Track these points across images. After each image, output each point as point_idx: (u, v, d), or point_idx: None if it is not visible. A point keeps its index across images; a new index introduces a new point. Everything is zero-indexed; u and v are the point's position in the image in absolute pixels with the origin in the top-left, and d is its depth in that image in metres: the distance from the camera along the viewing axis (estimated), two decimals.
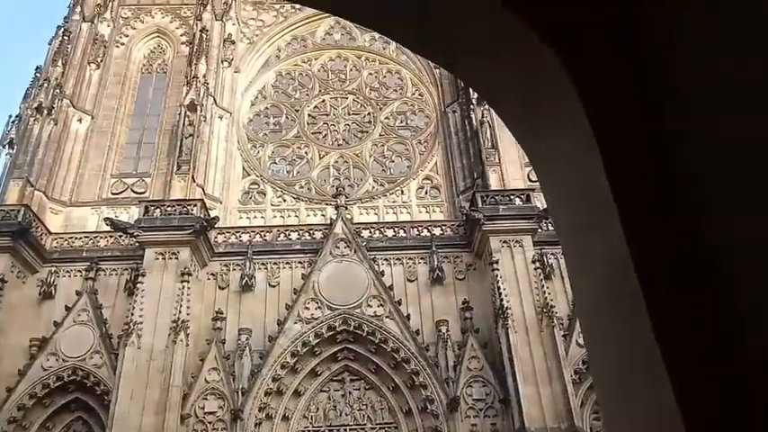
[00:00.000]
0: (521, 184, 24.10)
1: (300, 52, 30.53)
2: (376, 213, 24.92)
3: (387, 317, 20.20)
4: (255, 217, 25.02)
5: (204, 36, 28.10)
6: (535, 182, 24.81)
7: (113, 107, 27.32)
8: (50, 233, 22.28)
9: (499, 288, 19.62)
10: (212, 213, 22.16)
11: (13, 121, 25.47)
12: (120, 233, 21.85)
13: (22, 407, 18.48)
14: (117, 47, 29.41)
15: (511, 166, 25.01)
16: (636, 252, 1.80)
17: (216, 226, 21.98)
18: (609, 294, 1.98)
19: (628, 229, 1.83)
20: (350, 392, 19.98)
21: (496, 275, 19.89)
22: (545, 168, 2.45)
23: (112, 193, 24.96)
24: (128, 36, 29.92)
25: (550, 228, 22.38)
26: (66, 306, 20.25)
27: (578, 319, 20.13)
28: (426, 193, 25.87)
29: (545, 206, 22.35)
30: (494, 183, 23.06)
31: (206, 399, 18.64)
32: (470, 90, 25.69)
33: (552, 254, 21.82)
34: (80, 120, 26.34)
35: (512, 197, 21.77)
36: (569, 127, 2.07)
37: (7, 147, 24.80)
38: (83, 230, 22.99)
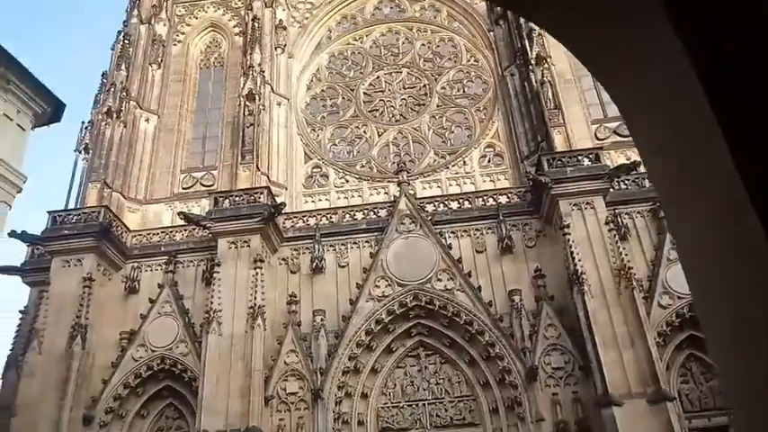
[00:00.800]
0: (588, 144, 23.12)
1: (351, 30, 30.29)
2: (439, 187, 24.59)
3: (457, 290, 19.98)
4: (320, 200, 25.28)
5: (256, 25, 28.36)
6: (603, 139, 23.77)
7: (177, 104, 28.16)
8: (130, 231, 23.38)
9: (572, 253, 18.93)
10: (278, 200, 22.54)
11: (86, 127, 26.76)
12: (194, 226, 22.64)
13: (117, 397, 19.66)
14: (175, 45, 30.20)
15: (576, 125, 24.00)
16: (755, 193, 1.70)
17: (283, 211, 22.36)
18: (722, 241, 1.94)
19: (743, 170, 1.73)
20: (426, 367, 20.00)
21: (568, 240, 19.19)
22: (641, 116, 2.43)
23: (183, 188, 25.85)
24: (184, 33, 30.64)
25: (623, 186, 21.48)
26: (150, 299, 21.26)
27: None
28: (489, 161, 25.26)
29: (615, 164, 21.40)
30: (559, 144, 22.15)
31: (287, 380, 19.18)
32: (528, 50, 24.78)
33: (627, 213, 20.91)
34: (147, 120, 27.33)
35: (579, 158, 20.84)
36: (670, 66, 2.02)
37: (83, 152, 26.12)
38: (159, 226, 23.99)
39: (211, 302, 19.79)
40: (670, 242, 19.80)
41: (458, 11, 29.69)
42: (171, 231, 23.47)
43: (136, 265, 22.50)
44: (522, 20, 25.96)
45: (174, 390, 20.18)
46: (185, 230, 23.20)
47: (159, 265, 22.38)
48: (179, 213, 22.83)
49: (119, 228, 22.83)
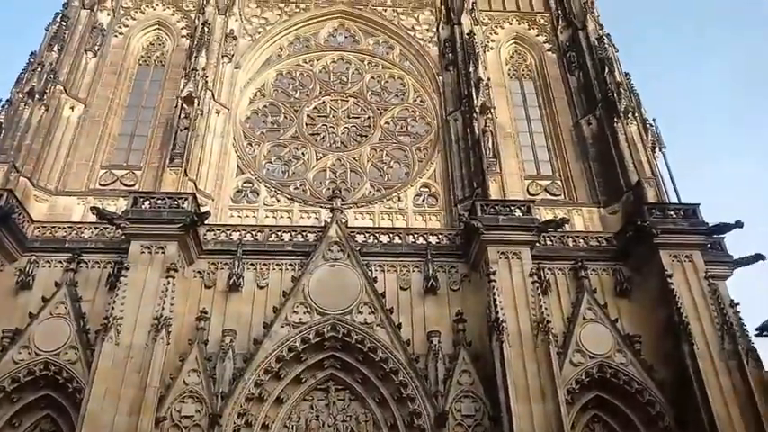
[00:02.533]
0: (520, 197, 23.62)
1: (303, 52, 30.00)
2: (371, 219, 24.25)
3: (377, 325, 19.46)
4: (247, 216, 24.28)
5: (206, 29, 27.59)
6: (535, 195, 24.36)
7: (108, 97, 26.66)
8: (33, 221, 21.50)
9: (495, 300, 18.93)
10: (203, 209, 21.44)
11: (2, 106, 24.67)
12: (106, 224, 21.10)
13: None
14: (115, 36, 28.84)
15: (511, 178, 24.62)
16: None
17: (206, 223, 21.28)
18: None
19: None
20: (334, 402, 19.17)
21: (493, 287, 19.21)
22: None
23: (101, 184, 24.21)
24: (127, 26, 29.35)
25: (548, 242, 21.91)
26: (43, 297, 19.41)
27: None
28: (423, 201, 25.24)
29: (544, 219, 21.87)
30: (494, 193, 22.48)
31: (183, 402, 17.78)
32: (474, 98, 25.30)
33: (549, 269, 21.34)
34: (72, 107, 25.65)
35: (512, 208, 21.18)
36: None
37: None
38: (67, 220, 22.19)
39: (112, 308, 18.28)
40: (587, 302, 20.27)
41: (410, 51, 30.08)
42: (79, 227, 21.75)
43: (34, 258, 20.59)
44: (471, 68, 26.64)
45: (55, 400, 18.24)
46: (96, 228, 21.57)
47: (60, 261, 20.57)
48: (92, 208, 21.24)
49: (21, 216, 20.93)
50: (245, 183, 25.31)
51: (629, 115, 24.93)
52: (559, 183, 25.25)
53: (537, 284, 19.74)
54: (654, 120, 25.83)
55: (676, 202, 22.24)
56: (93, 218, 21.67)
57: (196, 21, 28.47)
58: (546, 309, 19.19)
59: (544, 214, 23.09)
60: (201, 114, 24.94)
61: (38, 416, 18.30)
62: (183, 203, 20.75)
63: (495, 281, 19.45)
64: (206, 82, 25.76)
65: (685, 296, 19.46)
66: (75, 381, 17.80)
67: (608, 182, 24.20)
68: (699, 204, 21.34)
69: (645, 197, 22.16)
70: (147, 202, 20.78)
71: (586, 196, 24.51)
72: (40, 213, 22.33)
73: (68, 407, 17.85)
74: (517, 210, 21.25)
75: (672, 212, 21.19)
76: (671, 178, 23.59)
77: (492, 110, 25.09)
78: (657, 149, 25.04)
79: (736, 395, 17.69)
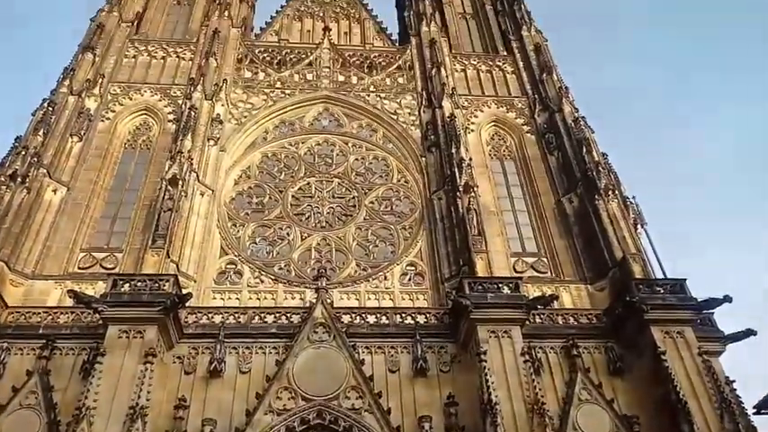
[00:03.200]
0: (507, 274, 23.52)
1: (288, 135, 30.56)
2: (357, 299, 23.84)
3: (366, 410, 18.62)
4: (230, 298, 23.74)
5: (192, 114, 28.07)
6: (521, 272, 24.25)
7: (92, 180, 26.60)
8: (7, 306, 20.73)
9: (487, 381, 18.32)
10: (185, 291, 20.89)
11: None
12: (83, 309, 20.39)
13: None
14: (102, 121, 29.18)
15: (496, 256, 24.58)
16: None
17: (188, 305, 20.70)
18: None
19: None
20: None
21: (484, 367, 18.65)
22: None
23: (80, 267, 23.66)
24: (114, 111, 29.79)
25: (537, 320, 21.58)
26: (13, 387, 18.37)
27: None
28: (410, 279, 24.99)
29: (533, 296, 21.65)
30: (481, 270, 22.36)
31: None
32: (458, 177, 25.67)
33: (541, 347, 20.89)
34: (55, 190, 25.48)
35: (500, 285, 21.00)
36: None
37: None
38: (42, 305, 21.43)
39: (86, 397, 17.30)
40: (581, 382, 19.75)
41: (393, 134, 30.80)
42: (55, 312, 20.98)
43: (6, 345, 19.69)
44: (453, 149, 27.24)
45: None
46: (72, 313, 20.82)
47: (33, 348, 19.67)
48: (68, 291, 20.65)
49: None
50: (228, 264, 24.92)
51: (610, 193, 25.41)
52: (545, 260, 25.28)
53: (529, 364, 19.23)
54: (633, 197, 26.32)
55: (662, 277, 22.26)
56: (70, 302, 21.06)
57: (183, 105, 29.01)
58: (540, 389, 18.60)
59: (532, 291, 22.93)
60: (186, 196, 24.90)
61: None
62: (164, 285, 20.23)
63: (485, 361, 18.92)
64: (191, 164, 25.91)
65: (680, 374, 19.09)
66: None
67: (593, 258, 24.29)
68: (686, 279, 21.41)
69: (631, 273, 22.19)
70: (127, 284, 20.23)
71: (573, 273, 24.49)
72: (15, 298, 21.58)
73: None
74: (505, 287, 21.07)
75: (660, 288, 21.17)
76: (655, 254, 23.78)
77: (475, 188, 25.45)
78: (639, 226, 25.33)
79: None
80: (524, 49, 34.54)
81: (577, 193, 26.58)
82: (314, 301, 21.29)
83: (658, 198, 72.61)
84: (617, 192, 25.69)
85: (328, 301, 21.46)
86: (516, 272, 24.45)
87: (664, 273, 22.93)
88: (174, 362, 19.89)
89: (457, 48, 36.13)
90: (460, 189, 25.21)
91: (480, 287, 20.86)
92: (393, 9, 43.77)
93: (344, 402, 18.73)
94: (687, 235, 72.03)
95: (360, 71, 33.66)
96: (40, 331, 20.15)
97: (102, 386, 17.71)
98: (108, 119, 29.39)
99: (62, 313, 20.94)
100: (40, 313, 20.85)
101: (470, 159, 27.01)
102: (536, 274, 24.75)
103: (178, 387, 19.19)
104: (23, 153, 25.23)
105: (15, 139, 26.63)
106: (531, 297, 21.64)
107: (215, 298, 23.65)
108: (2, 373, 19.05)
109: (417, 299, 24.22)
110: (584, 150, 27.26)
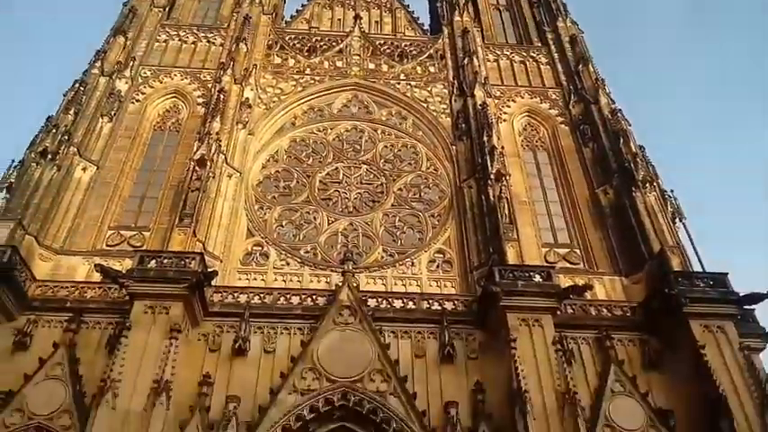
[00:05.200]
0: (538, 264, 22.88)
1: (316, 121, 30.28)
2: (384, 284, 23.40)
3: (391, 394, 18.21)
4: (255, 279, 23.49)
5: (222, 97, 27.95)
6: (553, 263, 23.58)
7: (121, 160, 26.65)
8: (35, 280, 20.78)
9: (517, 369, 17.79)
10: (210, 270, 20.69)
11: (15, 166, 24.53)
12: (110, 284, 20.35)
13: None
14: (132, 103, 29.25)
15: (527, 246, 23.96)
16: None
17: (213, 284, 20.52)
18: None
19: None
20: None
21: (514, 355, 18.12)
22: None
23: (108, 245, 23.68)
24: (144, 94, 29.85)
25: (569, 310, 20.95)
26: (40, 358, 18.35)
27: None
28: (438, 267, 24.48)
29: (565, 286, 21.00)
30: (511, 259, 21.78)
31: None
32: (489, 165, 25.13)
33: (572, 338, 20.27)
34: (84, 169, 25.58)
35: (531, 273, 20.41)
36: None
37: (5, 191, 23.67)
38: (70, 279, 21.44)
39: (111, 370, 17.19)
40: (615, 373, 19.09)
41: (423, 122, 30.35)
42: (82, 287, 20.99)
43: (33, 318, 19.75)
44: (485, 137, 26.70)
45: None
46: (99, 288, 20.83)
47: (60, 322, 19.68)
48: (96, 266, 20.61)
49: (23, 273, 20.24)
50: (254, 245, 24.72)
51: (647, 185, 24.65)
52: (578, 251, 24.61)
53: (560, 353, 18.63)
54: (672, 191, 25.47)
55: (702, 270, 21.45)
56: (97, 278, 21.07)
57: (212, 89, 28.94)
58: (571, 379, 17.99)
59: (564, 282, 22.21)
60: (213, 177, 24.75)
61: None
62: (189, 263, 20.07)
63: (515, 348, 18.40)
64: (219, 146, 25.77)
65: (720, 369, 18.33)
66: None
67: (629, 251, 23.54)
68: (727, 273, 20.55)
69: (669, 266, 21.42)
70: (154, 260, 20.11)
71: (607, 265, 23.78)
72: (43, 272, 21.66)
73: None
74: (537, 275, 20.48)
75: (699, 281, 20.40)
76: (693, 248, 22.91)
77: (507, 177, 24.89)
78: (678, 220, 24.49)
79: None
80: (559, 41, 33.85)
81: (613, 185, 25.85)
82: (340, 284, 20.94)
83: (695, 192, 70.60)
84: (655, 184, 24.90)
85: (354, 284, 21.08)
86: (548, 262, 23.80)
87: (702, 267, 22.09)
88: (199, 339, 19.72)
89: (490, 38, 35.56)
90: (492, 177, 24.65)
91: (511, 275, 20.30)
92: None
93: (369, 385, 18.35)
94: (728, 230, 70.13)
95: (390, 59, 33.30)
96: (68, 305, 20.17)
97: (128, 360, 17.59)
98: (138, 101, 29.47)
99: (89, 288, 20.95)
100: (67, 287, 20.87)
101: (502, 148, 26.42)
102: (568, 265, 24.09)
103: (202, 364, 19.01)
104: (54, 131, 25.38)
105: (47, 119, 26.86)
106: (563, 287, 20.98)
107: (240, 278, 23.45)
108: (29, 345, 19.09)
109: (445, 286, 23.72)
110: (621, 142, 26.51)
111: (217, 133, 26.19)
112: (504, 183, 24.66)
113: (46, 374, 18.01)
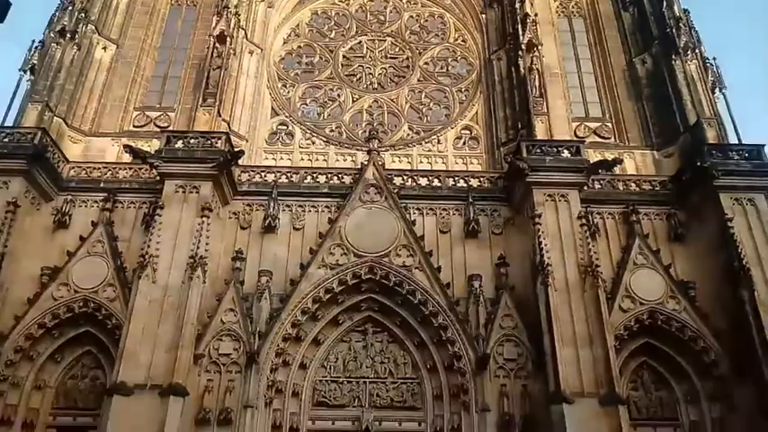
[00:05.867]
0: (568, 139, 22.34)
1: None
2: (409, 162, 23.37)
3: (416, 268, 18.81)
4: (282, 158, 23.68)
5: None
6: (583, 138, 23.00)
7: (140, 38, 26.02)
8: (68, 161, 21.26)
9: (540, 243, 18.02)
10: (237, 150, 20.81)
11: (36, 47, 24.25)
12: (141, 165, 20.72)
13: (29, 336, 17.64)
14: None
15: (557, 120, 23.29)
16: None
17: (240, 164, 20.75)
18: None
19: None
20: (372, 344, 18.76)
21: (538, 230, 18.28)
22: None
23: (134, 126, 23.81)
24: None
25: (597, 186, 20.75)
26: (80, 236, 19.28)
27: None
28: (464, 143, 24.19)
29: (594, 160, 20.60)
30: (540, 133, 21.30)
31: (221, 340, 17.61)
32: (520, 35, 23.85)
33: (598, 213, 20.23)
34: (105, 48, 25.14)
35: (559, 148, 20.00)
36: None
37: (29, 72, 23.64)
38: (102, 161, 21.91)
39: (148, 246, 18.01)
40: (638, 247, 19.22)
41: None
42: (114, 168, 21.42)
43: (70, 198, 20.43)
44: (517, 4, 25.08)
45: (95, 337, 18.26)
46: (130, 168, 21.23)
47: (96, 201, 20.36)
48: (125, 146, 20.89)
49: (56, 155, 20.70)
50: (279, 125, 24.63)
51: (689, 53, 23.20)
52: (609, 125, 23.85)
53: (585, 228, 18.71)
54: (714, 59, 23.96)
55: (738, 142, 20.70)
56: (127, 159, 21.38)
57: None
58: (595, 253, 18.21)
59: (593, 157, 21.73)
60: (234, 53, 24.14)
61: (80, 351, 18.34)
62: (216, 143, 20.16)
63: (540, 224, 18.52)
64: (238, 20, 24.84)
65: (746, 241, 18.23)
66: (114, 318, 17.71)
67: (663, 122, 22.72)
68: (764, 145, 19.80)
69: (704, 138, 20.69)
70: (180, 141, 20.24)
71: (639, 138, 23.10)
72: (74, 154, 22.10)
73: (108, 343, 17.84)
74: (565, 150, 20.07)
75: (734, 153, 19.76)
76: (732, 120, 21.96)
77: (539, 47, 23.65)
78: (717, 90, 23.28)
79: None
80: None
81: (652, 53, 24.41)
82: (365, 162, 20.94)
83: (743, 62, 66.45)
84: (697, 51, 23.39)
85: (380, 162, 21.08)
86: (578, 137, 23.16)
87: (740, 140, 21.29)
88: (230, 217, 20.31)
89: None
90: (523, 47, 23.47)
91: (539, 150, 19.92)
92: None
93: (395, 260, 18.93)
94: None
95: None
96: (102, 185, 20.71)
97: (163, 237, 18.32)
98: None
99: (121, 169, 21.38)
100: (100, 168, 21.34)
101: (536, 15, 24.85)
102: (599, 139, 23.45)
103: (234, 240, 19.74)
104: (70, 8, 24.70)
105: None
106: (592, 162, 20.60)
107: (266, 158, 23.64)
108: (69, 224, 19.95)
109: (471, 163, 23.58)
110: (665, 5, 24.59)
111: (235, 6, 25.13)
112: (536, 53, 23.49)
113: (87, 251, 18.97)
